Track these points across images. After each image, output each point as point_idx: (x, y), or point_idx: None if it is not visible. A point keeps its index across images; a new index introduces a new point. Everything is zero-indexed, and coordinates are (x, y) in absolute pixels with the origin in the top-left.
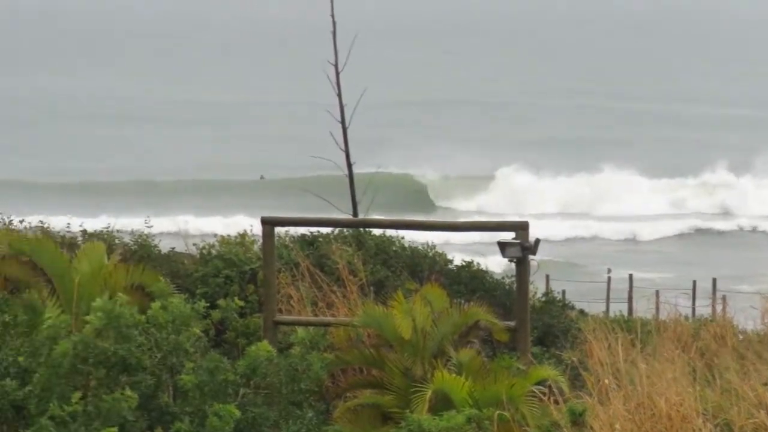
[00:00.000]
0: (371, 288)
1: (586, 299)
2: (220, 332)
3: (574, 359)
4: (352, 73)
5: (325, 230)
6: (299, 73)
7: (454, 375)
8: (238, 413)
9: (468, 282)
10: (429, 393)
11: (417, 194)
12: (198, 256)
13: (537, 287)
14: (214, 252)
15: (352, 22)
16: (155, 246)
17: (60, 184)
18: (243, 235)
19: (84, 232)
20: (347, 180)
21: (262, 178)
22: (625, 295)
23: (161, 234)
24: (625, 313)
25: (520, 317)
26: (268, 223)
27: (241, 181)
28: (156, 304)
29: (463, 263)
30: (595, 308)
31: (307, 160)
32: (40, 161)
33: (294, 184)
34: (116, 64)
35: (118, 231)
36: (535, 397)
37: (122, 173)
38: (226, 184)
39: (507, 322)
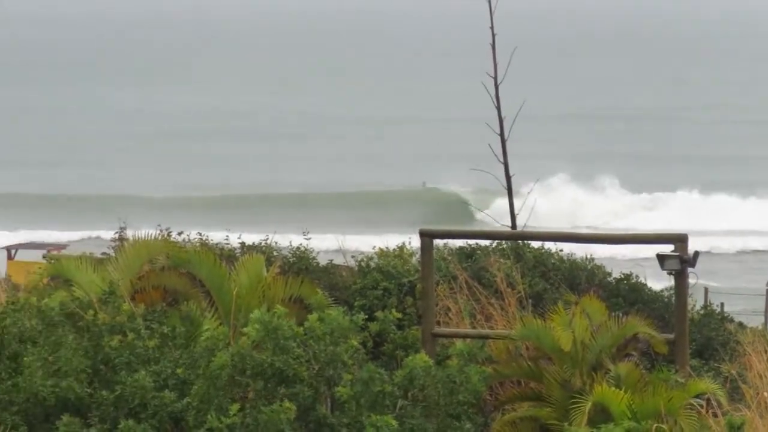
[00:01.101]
0: (529, 300)
1: (744, 312)
2: (378, 344)
3: (733, 372)
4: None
5: (483, 243)
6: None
7: (612, 388)
8: (395, 425)
9: (626, 294)
10: (588, 405)
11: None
12: (356, 268)
13: (695, 300)
14: (372, 264)
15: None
16: (314, 258)
17: (201, 198)
18: (401, 248)
19: (242, 244)
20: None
21: (424, 185)
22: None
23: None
24: None
25: (678, 330)
26: (427, 236)
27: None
28: (313, 316)
29: (622, 275)
30: (753, 321)
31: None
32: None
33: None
34: (243, 77)
35: (276, 243)
36: (693, 410)
37: (274, 186)
38: (379, 196)
39: (666, 335)
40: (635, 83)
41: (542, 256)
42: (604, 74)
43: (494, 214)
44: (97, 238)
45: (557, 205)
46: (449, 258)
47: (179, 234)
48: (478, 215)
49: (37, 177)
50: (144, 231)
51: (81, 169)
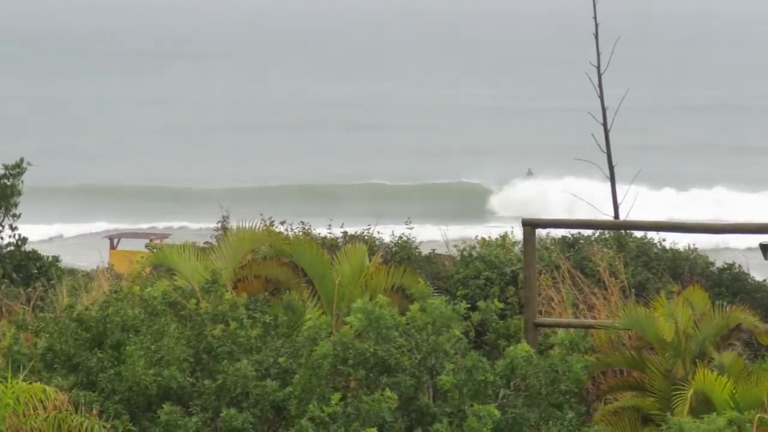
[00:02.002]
0: (632, 290)
1: None
2: (480, 334)
3: None
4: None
5: (585, 232)
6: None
7: (715, 375)
8: (498, 414)
9: (729, 284)
10: (690, 393)
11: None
12: (458, 258)
13: None
14: (474, 254)
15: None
16: (416, 248)
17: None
18: (504, 237)
19: (345, 234)
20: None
21: (529, 172)
22: None
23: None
24: None
25: None
26: (529, 225)
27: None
28: (416, 306)
29: (725, 265)
30: None
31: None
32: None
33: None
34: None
35: (378, 233)
36: None
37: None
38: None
39: None
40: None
41: (645, 245)
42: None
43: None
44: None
45: (658, 196)
46: (552, 247)
47: (281, 223)
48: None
49: (130, 169)
50: (246, 220)
51: (171, 160)
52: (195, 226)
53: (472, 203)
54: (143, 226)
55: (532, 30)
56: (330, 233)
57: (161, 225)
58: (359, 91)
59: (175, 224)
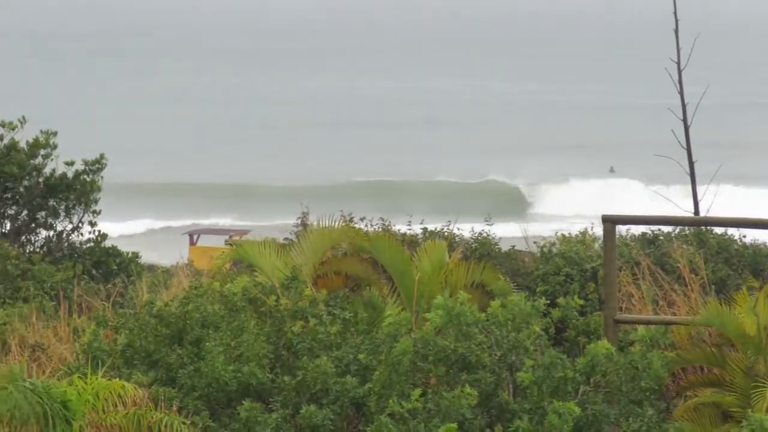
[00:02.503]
0: (712, 287)
1: None
2: (560, 330)
3: None
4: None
5: (665, 229)
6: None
7: None
8: (578, 411)
9: None
10: None
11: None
12: (538, 254)
13: None
14: (554, 250)
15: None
16: (496, 244)
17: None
18: (584, 233)
19: (425, 230)
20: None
21: (611, 169)
22: None
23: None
24: None
25: None
26: (609, 221)
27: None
28: (496, 303)
29: None
30: None
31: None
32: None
33: None
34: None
35: (458, 229)
36: None
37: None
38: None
39: None
40: None
41: (725, 242)
42: None
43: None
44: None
45: (738, 192)
46: (632, 244)
47: (361, 220)
48: None
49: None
50: (326, 217)
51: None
52: (266, 223)
53: (545, 199)
54: (220, 221)
55: (602, 28)
56: (410, 229)
57: (236, 223)
58: (425, 89)
59: (249, 223)
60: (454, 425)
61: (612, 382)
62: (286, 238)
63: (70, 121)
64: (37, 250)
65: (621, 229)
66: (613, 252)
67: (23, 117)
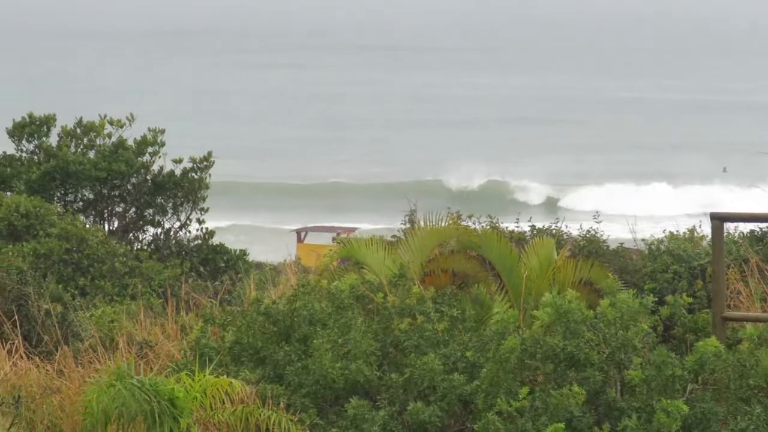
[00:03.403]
0: None
1: None
2: (668, 328)
3: None
4: None
5: None
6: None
7: None
8: (686, 409)
9: None
10: None
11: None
12: (646, 251)
13: None
14: (662, 247)
15: None
16: (604, 241)
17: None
18: (692, 231)
19: (532, 227)
20: None
21: (725, 170)
22: None
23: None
24: None
25: None
26: (718, 219)
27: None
28: (605, 301)
29: None
30: None
31: None
32: None
33: None
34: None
35: (566, 226)
36: None
37: None
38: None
39: None
40: None
41: None
42: None
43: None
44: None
45: None
46: (740, 241)
47: (468, 217)
48: None
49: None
50: (434, 215)
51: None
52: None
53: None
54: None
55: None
56: (517, 227)
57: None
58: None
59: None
60: (562, 425)
61: (720, 380)
62: (393, 236)
63: (187, 119)
64: (145, 247)
65: (729, 227)
66: (721, 249)
67: (131, 114)
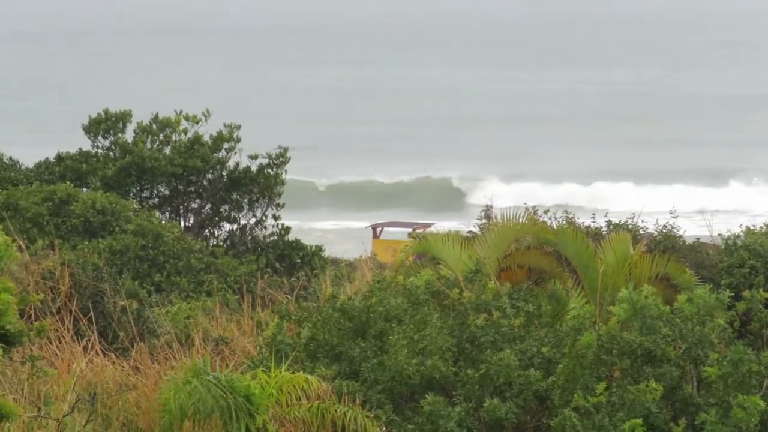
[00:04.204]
0: None
1: None
2: (745, 323)
3: None
4: None
5: None
6: None
7: None
8: (763, 404)
9: None
10: None
11: None
12: (723, 246)
13: None
14: (739, 242)
15: None
16: (680, 237)
17: None
18: None
19: (609, 222)
20: None
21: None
22: None
23: None
24: None
25: None
26: None
27: None
28: (682, 296)
29: None
30: None
31: None
32: None
33: None
34: None
35: (642, 221)
36: None
37: None
38: None
39: None
40: None
41: None
42: None
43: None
44: None
45: None
46: None
47: (545, 212)
48: None
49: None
50: (510, 210)
51: None
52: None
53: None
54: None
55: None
56: (593, 222)
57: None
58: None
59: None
60: (639, 421)
61: None
62: (469, 231)
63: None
64: (221, 243)
65: None
66: None
67: (207, 110)
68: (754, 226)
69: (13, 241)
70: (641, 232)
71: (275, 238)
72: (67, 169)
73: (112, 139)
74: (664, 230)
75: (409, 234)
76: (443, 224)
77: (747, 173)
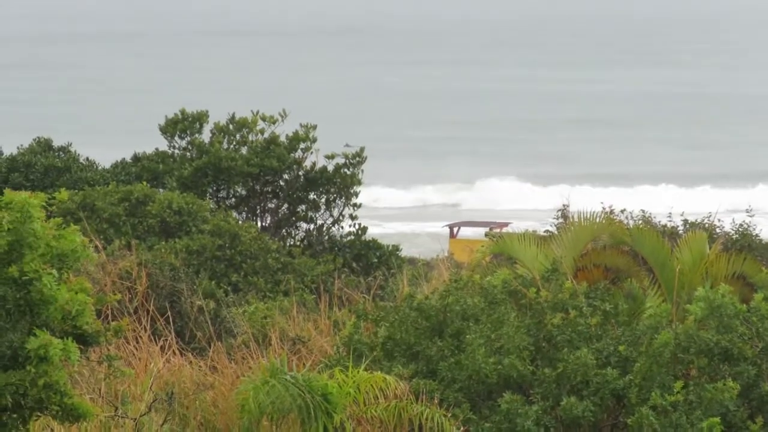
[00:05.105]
0: None
1: None
2: None
3: None
4: None
5: None
6: None
7: None
8: None
9: None
10: None
11: None
12: None
13: None
14: None
15: None
16: (756, 235)
17: None
18: None
19: (685, 221)
20: None
21: None
22: None
23: None
24: None
25: None
26: None
27: None
28: (759, 295)
29: None
30: None
31: None
32: None
33: None
34: None
35: (719, 220)
36: None
37: None
38: None
39: None
40: None
41: None
42: None
43: None
44: None
45: None
46: None
47: (621, 211)
48: None
49: None
50: (587, 209)
51: None
52: None
53: None
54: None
55: None
56: (670, 221)
57: None
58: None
59: None
60: (717, 419)
61: None
62: (546, 231)
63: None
64: (298, 243)
65: None
66: None
67: (284, 110)
68: None
69: (90, 241)
70: (717, 231)
71: (352, 237)
72: (143, 169)
73: (189, 139)
74: (740, 229)
75: (486, 233)
76: (520, 224)
77: None
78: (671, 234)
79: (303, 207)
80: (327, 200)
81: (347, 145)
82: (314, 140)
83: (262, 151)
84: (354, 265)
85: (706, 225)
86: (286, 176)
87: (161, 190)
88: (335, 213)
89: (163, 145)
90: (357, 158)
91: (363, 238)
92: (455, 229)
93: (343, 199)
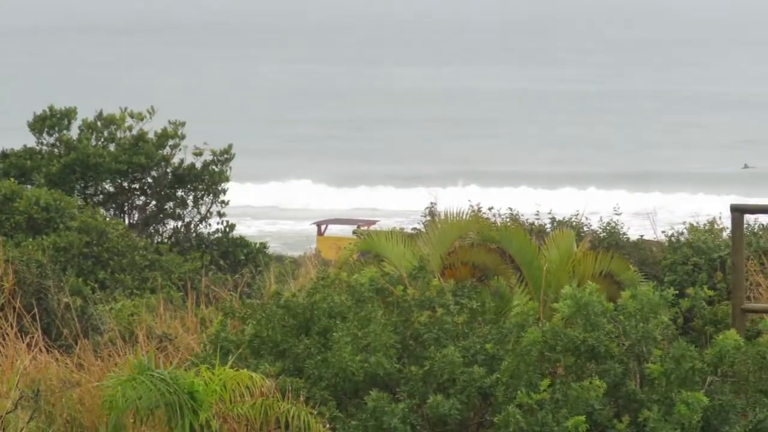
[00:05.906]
0: None
1: None
2: (688, 320)
3: None
4: None
5: None
6: None
7: None
8: (706, 401)
9: None
10: None
11: None
12: (666, 243)
13: None
14: (682, 239)
15: None
16: (623, 234)
17: None
18: (712, 222)
19: (553, 219)
20: None
21: (745, 167)
22: None
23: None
24: None
25: None
26: (738, 211)
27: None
28: (627, 293)
29: None
30: None
31: None
32: None
33: None
34: None
35: (586, 218)
36: None
37: None
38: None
39: None
40: None
41: None
42: None
43: None
44: None
45: None
46: (760, 233)
47: (489, 209)
48: None
49: None
50: (454, 207)
51: None
52: None
53: None
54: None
55: None
56: (537, 219)
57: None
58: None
59: None
60: (583, 418)
61: (739, 372)
62: (413, 228)
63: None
64: (165, 240)
65: (749, 219)
66: (741, 241)
67: (152, 107)
68: (697, 223)
69: None
70: (585, 229)
71: (220, 235)
72: (11, 165)
73: (57, 135)
74: (608, 227)
75: (354, 231)
76: (387, 222)
77: None
78: (539, 232)
79: (171, 204)
80: (195, 197)
81: (205, 143)
82: (183, 137)
83: (130, 147)
84: (221, 262)
85: (574, 223)
86: (154, 173)
87: (29, 186)
88: (203, 210)
89: (31, 141)
90: (225, 155)
91: (230, 235)
92: (323, 227)
93: (210, 197)
